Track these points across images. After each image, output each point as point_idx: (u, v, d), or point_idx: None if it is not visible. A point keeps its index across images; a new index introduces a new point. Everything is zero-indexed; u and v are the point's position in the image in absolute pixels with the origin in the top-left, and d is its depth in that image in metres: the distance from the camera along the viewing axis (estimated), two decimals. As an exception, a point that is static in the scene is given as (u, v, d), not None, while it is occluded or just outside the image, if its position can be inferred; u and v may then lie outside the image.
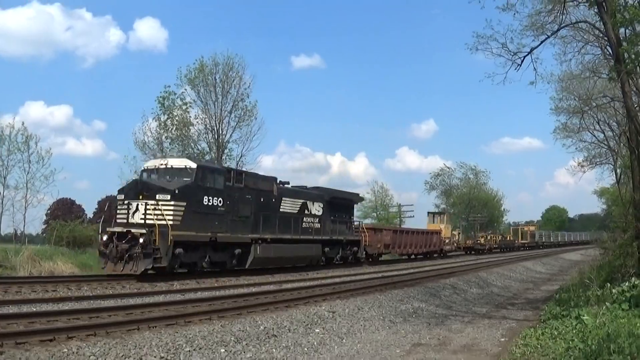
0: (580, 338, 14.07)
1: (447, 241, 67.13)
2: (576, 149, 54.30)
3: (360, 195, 56.89)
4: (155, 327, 15.02)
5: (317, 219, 39.84)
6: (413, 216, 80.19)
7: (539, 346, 14.49)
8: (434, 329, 19.16)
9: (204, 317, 16.82)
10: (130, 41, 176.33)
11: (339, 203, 43.62)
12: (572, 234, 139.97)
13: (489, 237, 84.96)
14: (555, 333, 15.64)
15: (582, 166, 55.24)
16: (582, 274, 30.39)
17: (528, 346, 14.64)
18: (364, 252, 46.46)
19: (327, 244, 40.74)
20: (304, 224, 38.12)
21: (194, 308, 18.26)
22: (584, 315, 16.42)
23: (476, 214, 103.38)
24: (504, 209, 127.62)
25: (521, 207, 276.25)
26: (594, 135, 52.79)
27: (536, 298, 30.46)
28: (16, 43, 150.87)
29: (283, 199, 36.34)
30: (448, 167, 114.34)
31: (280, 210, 35.82)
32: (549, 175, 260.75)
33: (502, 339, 17.34)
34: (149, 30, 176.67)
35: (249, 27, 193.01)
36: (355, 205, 50.22)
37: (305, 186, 43.23)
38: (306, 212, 38.84)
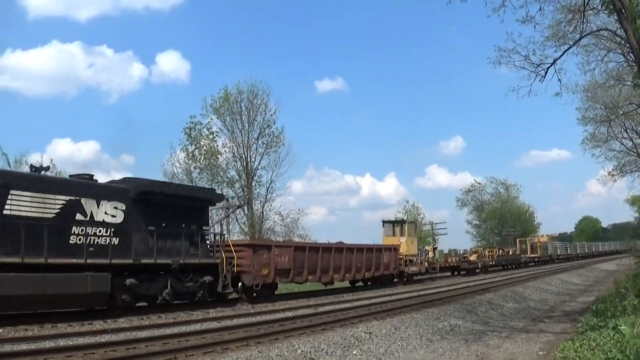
0: (618, 348, 14.01)
1: (412, 260, 49.98)
2: (605, 158, 54.13)
3: (219, 192, 42.35)
4: (192, 355, 15.15)
5: (109, 230, 24.76)
6: (446, 233, 79.65)
7: (577, 358, 14.43)
8: (472, 346, 19.08)
9: (240, 344, 16.86)
10: (153, 74, 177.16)
11: (172, 204, 27.96)
12: (597, 244, 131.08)
13: (484, 253, 69.65)
14: (593, 344, 15.56)
15: (613, 175, 55.11)
16: (618, 284, 30.21)
17: (566, 358, 14.60)
18: (231, 284, 30.20)
19: (132, 271, 25.18)
20: (71, 238, 23.35)
21: (230, 335, 18.34)
22: (621, 325, 16.34)
23: (509, 229, 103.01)
24: (536, 223, 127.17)
25: (554, 220, 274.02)
26: (623, 144, 52.63)
27: (573, 310, 30.29)
28: (39, 83, 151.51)
29: (12, 192, 21.76)
30: (478, 183, 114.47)
31: (4, 212, 21.36)
32: (580, 185, 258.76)
33: (540, 353, 17.31)
34: (170, 63, 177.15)
35: (270, 54, 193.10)
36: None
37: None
38: (79, 217, 23.91)
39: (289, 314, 24.28)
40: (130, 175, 29.18)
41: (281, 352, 16.16)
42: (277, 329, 19.61)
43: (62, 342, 16.61)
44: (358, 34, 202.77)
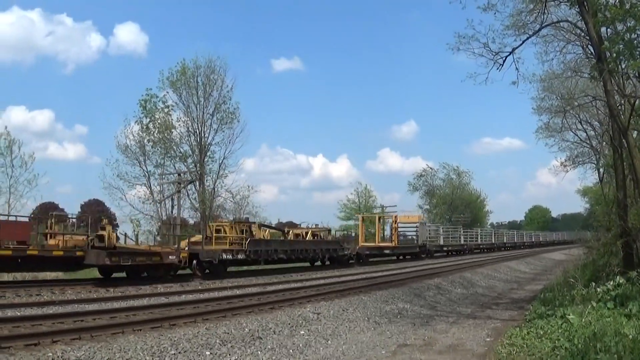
0: (566, 337, 14.06)
1: None
2: (559, 148, 54.37)
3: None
4: (140, 330, 15.00)
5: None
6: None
7: (524, 345, 14.47)
8: (419, 330, 19.10)
9: (188, 320, 16.80)
10: (110, 46, 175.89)
11: None
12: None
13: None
14: (541, 332, 15.62)
15: (565, 166, 55.32)
16: (567, 274, 30.39)
17: (514, 346, 14.62)
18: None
19: None
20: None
21: (178, 311, 18.26)
22: (569, 315, 16.42)
23: (459, 215, 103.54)
24: (486, 210, 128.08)
25: (504, 208, 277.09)
26: (577, 135, 52.89)
27: (521, 298, 30.45)
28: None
29: None
30: (431, 168, 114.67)
31: None
32: (531, 175, 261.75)
33: (488, 339, 17.28)
34: (129, 35, 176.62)
35: (229, 31, 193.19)
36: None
37: None
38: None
39: (238, 292, 24.26)
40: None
41: (229, 330, 16.11)
42: (225, 307, 19.55)
43: (9, 313, 16.51)
44: (317, 13, 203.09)
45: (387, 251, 57.43)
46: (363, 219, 63.33)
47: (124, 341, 13.64)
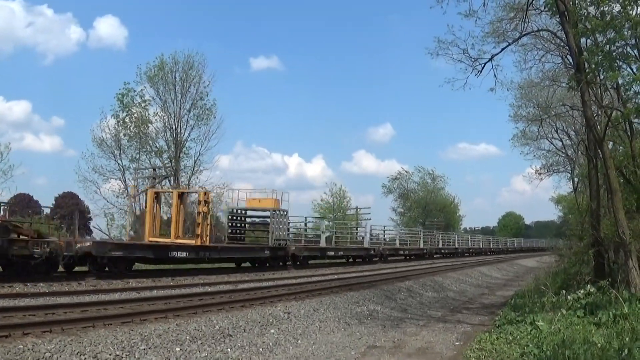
0: (535, 344, 14.13)
1: None
2: (534, 156, 55.01)
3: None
4: (111, 324, 14.93)
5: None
6: (370, 219, 79.69)
7: (493, 351, 14.54)
8: (389, 332, 19.14)
9: (159, 316, 16.76)
10: (90, 39, 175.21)
11: None
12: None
13: None
14: (510, 338, 15.70)
15: (540, 174, 55.96)
16: (538, 281, 30.59)
17: (483, 350, 14.69)
18: None
19: None
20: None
21: (149, 306, 18.23)
22: (539, 321, 16.52)
23: (433, 219, 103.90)
24: (459, 215, 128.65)
25: (478, 213, 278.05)
26: (552, 144, 53.40)
27: (491, 303, 30.55)
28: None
29: None
30: (406, 171, 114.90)
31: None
32: (505, 181, 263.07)
33: (457, 343, 17.34)
34: (108, 29, 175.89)
35: (208, 29, 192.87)
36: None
37: None
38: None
39: (209, 288, 24.24)
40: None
41: (199, 327, 16.10)
42: (196, 303, 19.55)
43: (-20, 305, 16.34)
44: (296, 13, 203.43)
45: (180, 254, 32.07)
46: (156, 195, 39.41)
47: (95, 335, 13.58)
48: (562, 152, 53.22)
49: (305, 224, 52.13)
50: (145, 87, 55.69)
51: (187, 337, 15.02)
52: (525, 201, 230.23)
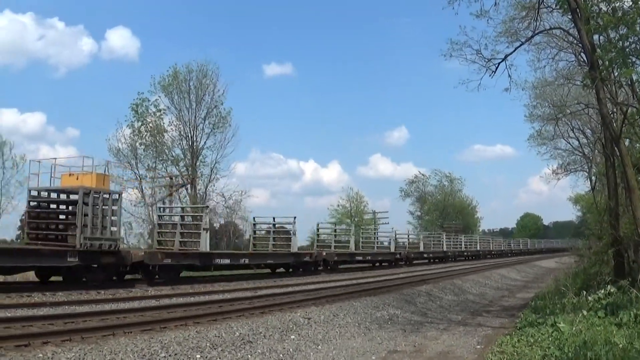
0: (557, 345, 14.06)
1: None
2: (550, 156, 54.66)
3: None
4: (131, 332, 14.92)
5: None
6: (387, 222, 79.52)
7: (515, 353, 14.44)
8: (410, 336, 19.07)
9: (179, 323, 16.72)
10: (102, 50, 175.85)
11: None
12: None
13: None
14: (532, 340, 15.61)
15: (557, 173, 55.72)
16: (558, 282, 30.42)
17: (504, 353, 14.60)
18: None
19: None
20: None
21: (169, 314, 18.17)
22: (560, 323, 16.42)
23: (451, 221, 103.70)
24: (477, 217, 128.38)
25: (496, 215, 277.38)
26: (569, 143, 53.12)
27: (512, 305, 30.43)
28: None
29: None
30: (423, 174, 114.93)
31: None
32: (522, 182, 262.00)
33: (478, 346, 17.27)
34: (120, 40, 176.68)
35: (221, 37, 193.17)
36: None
37: None
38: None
39: (228, 295, 24.14)
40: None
41: (219, 334, 16.04)
42: (215, 310, 19.50)
43: (0, 314, 16.33)
44: (309, 19, 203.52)
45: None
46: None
47: (115, 343, 13.57)
48: (578, 151, 52.97)
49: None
50: (159, 96, 56.03)
51: (207, 344, 14.97)
52: (543, 202, 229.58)
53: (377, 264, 55.33)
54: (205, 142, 57.05)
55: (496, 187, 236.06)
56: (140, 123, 54.32)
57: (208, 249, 33.07)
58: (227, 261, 33.97)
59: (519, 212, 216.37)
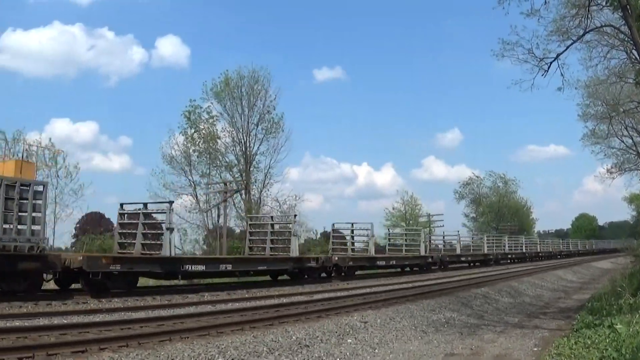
0: (614, 347, 14.01)
1: None
2: (605, 155, 54.26)
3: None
4: (188, 337, 15.12)
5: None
6: (443, 225, 79.15)
7: (572, 355, 14.43)
8: (467, 339, 19.09)
9: (236, 328, 16.87)
10: (152, 59, 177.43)
11: None
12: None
13: None
14: (589, 342, 15.55)
15: (611, 172, 55.21)
16: (614, 283, 30.19)
17: (561, 355, 14.59)
18: None
19: None
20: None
21: (225, 319, 18.34)
22: (617, 324, 16.33)
23: (506, 223, 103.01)
24: (532, 218, 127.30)
25: (550, 216, 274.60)
26: (623, 141, 52.76)
27: (568, 307, 30.24)
28: (39, 63, 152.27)
29: None
30: (477, 176, 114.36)
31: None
32: (577, 182, 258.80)
33: (535, 349, 17.25)
34: (170, 48, 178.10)
35: (270, 42, 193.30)
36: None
37: None
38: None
39: (284, 300, 24.36)
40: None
41: (276, 338, 16.16)
42: (272, 315, 19.59)
43: (56, 320, 16.58)
44: (358, 23, 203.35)
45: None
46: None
47: (172, 348, 13.79)
48: (632, 149, 52.54)
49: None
50: (212, 103, 56.45)
51: (264, 349, 15.10)
52: (597, 202, 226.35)
53: (407, 269, 50.74)
54: (258, 148, 57.53)
55: (550, 187, 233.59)
56: (193, 130, 54.84)
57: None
58: (201, 268, 28.46)
59: (574, 213, 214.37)
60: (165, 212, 28.49)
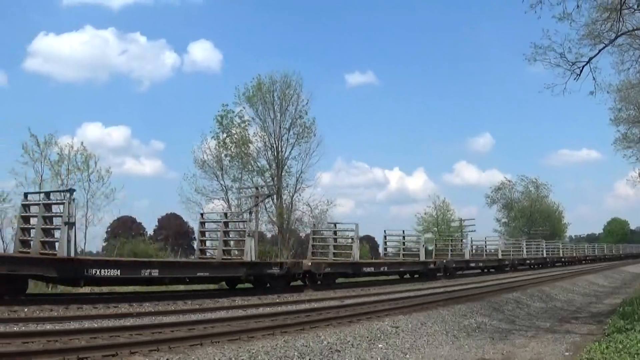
0: (646, 352, 14.04)
1: None
2: (637, 159, 53.81)
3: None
4: (218, 342, 15.15)
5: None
6: (474, 230, 78.86)
7: (603, 360, 14.46)
8: (498, 344, 19.12)
9: (266, 333, 16.92)
10: (185, 63, 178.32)
11: None
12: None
13: None
14: (620, 347, 15.57)
15: (643, 177, 54.87)
16: (646, 287, 30.10)
17: (593, 360, 14.62)
18: None
19: None
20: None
21: (256, 323, 18.34)
22: (649, 329, 16.35)
23: (537, 228, 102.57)
24: (564, 223, 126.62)
25: (582, 220, 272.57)
26: (655, 145, 52.32)
27: (599, 312, 30.18)
28: (71, 67, 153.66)
29: None
30: (509, 181, 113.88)
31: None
32: (609, 186, 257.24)
33: (567, 354, 17.29)
34: (203, 52, 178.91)
35: (302, 47, 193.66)
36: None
37: None
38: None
39: (315, 305, 24.33)
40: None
41: (307, 343, 16.20)
42: (303, 320, 19.65)
43: (87, 324, 16.71)
44: (389, 29, 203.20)
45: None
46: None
47: (202, 353, 13.88)
48: (665, 153, 52.19)
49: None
50: (244, 107, 56.61)
51: (295, 354, 15.15)
52: (630, 206, 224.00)
53: (406, 276, 45.56)
54: (290, 152, 57.44)
55: (582, 192, 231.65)
56: (225, 134, 55.00)
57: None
58: (114, 273, 22.43)
59: (606, 217, 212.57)
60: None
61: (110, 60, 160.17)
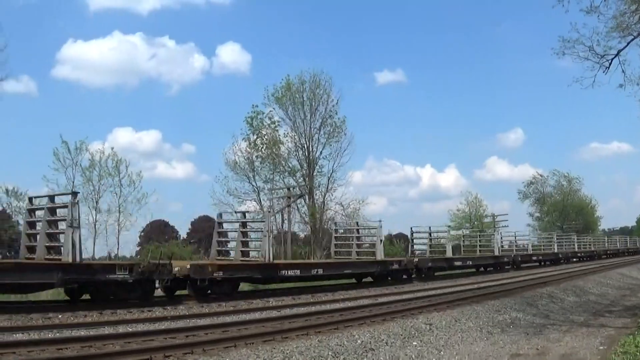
0: (680, 344, 14.03)
1: None
2: (668, 150, 53.56)
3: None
4: (252, 343, 15.26)
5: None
6: (507, 225, 78.60)
7: (638, 353, 14.44)
8: (532, 339, 19.06)
9: (300, 333, 17.00)
10: (214, 66, 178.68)
11: None
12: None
13: None
14: (655, 340, 15.57)
15: (675, 168, 54.57)
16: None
17: (627, 354, 14.60)
18: None
19: None
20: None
21: (290, 324, 18.46)
22: (683, 321, 16.33)
23: (571, 222, 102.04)
24: (597, 216, 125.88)
25: (615, 214, 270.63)
26: (685, 137, 52.03)
27: (634, 305, 30.05)
28: (100, 73, 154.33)
29: None
30: (541, 175, 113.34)
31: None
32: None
33: (601, 347, 17.26)
34: (231, 55, 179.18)
35: (330, 46, 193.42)
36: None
37: None
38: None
39: (349, 304, 24.40)
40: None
41: (341, 342, 16.27)
42: (337, 319, 19.73)
43: (121, 329, 16.90)
44: (417, 26, 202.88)
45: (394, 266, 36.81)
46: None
47: (237, 354, 14.02)
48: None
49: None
50: (273, 108, 56.80)
51: (330, 353, 15.20)
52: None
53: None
54: (321, 152, 57.58)
55: (614, 185, 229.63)
56: (255, 136, 55.17)
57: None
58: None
59: (638, 210, 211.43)
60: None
61: (140, 65, 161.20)
